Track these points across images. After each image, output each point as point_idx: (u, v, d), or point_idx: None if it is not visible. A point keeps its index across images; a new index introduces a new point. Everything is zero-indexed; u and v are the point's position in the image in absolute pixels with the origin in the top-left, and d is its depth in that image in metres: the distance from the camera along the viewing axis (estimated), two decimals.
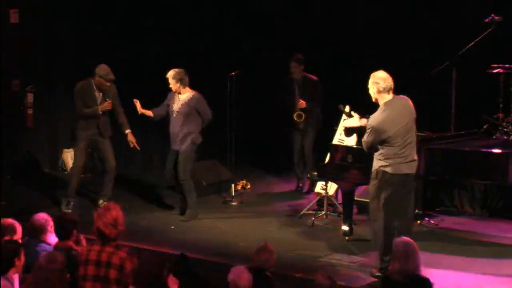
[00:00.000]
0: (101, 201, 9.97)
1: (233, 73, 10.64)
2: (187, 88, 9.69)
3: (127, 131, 10.13)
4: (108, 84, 9.90)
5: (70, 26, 11.89)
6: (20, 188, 10.89)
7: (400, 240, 6.11)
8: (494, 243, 8.60)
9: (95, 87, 9.93)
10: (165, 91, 9.82)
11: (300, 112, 10.96)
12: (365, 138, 7.49)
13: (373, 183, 7.50)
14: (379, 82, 7.39)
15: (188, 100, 9.65)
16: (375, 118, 7.41)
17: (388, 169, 7.38)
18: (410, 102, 7.54)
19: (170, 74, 9.67)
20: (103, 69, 9.89)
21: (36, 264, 5.64)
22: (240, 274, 5.96)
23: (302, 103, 10.91)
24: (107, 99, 9.94)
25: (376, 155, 7.48)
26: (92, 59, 10.54)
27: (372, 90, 7.44)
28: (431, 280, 5.96)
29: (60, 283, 5.56)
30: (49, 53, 11.84)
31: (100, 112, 9.92)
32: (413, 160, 7.52)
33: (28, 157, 11.84)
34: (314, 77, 11.05)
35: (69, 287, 5.79)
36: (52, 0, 11.78)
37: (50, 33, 11.85)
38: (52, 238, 6.81)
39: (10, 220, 6.67)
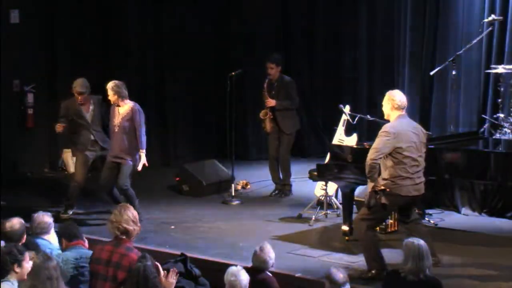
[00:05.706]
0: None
1: (233, 73, 10.60)
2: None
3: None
4: (79, 97, 9.51)
5: (70, 26, 11.88)
6: (20, 188, 10.88)
7: (413, 240, 6.17)
8: (494, 243, 8.59)
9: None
10: (165, 90, 9.79)
11: (266, 110, 10.52)
12: (374, 144, 7.38)
13: (379, 198, 7.37)
14: (394, 99, 7.43)
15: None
16: (390, 124, 7.42)
17: (398, 191, 7.34)
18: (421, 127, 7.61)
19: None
20: (74, 83, 9.55)
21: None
22: (236, 274, 5.95)
23: (270, 102, 10.50)
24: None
25: (384, 175, 7.36)
26: (92, 59, 10.54)
27: (387, 106, 7.47)
28: None
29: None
30: (49, 53, 11.83)
31: (58, 131, 9.58)
32: (421, 182, 7.54)
33: (28, 157, 11.82)
34: (289, 78, 10.71)
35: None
36: (52, 0, 11.78)
37: (50, 33, 11.84)
38: (53, 238, 6.81)
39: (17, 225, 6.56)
